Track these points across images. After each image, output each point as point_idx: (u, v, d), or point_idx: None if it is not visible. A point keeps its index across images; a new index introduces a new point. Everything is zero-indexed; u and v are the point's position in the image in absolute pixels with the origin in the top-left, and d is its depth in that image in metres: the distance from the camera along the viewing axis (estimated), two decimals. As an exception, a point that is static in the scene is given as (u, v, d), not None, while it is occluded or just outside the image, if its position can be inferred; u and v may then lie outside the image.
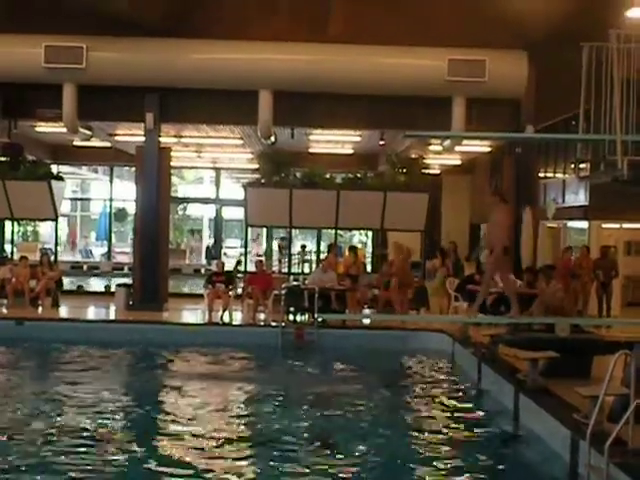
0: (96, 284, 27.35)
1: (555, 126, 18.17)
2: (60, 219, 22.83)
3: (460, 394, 12.40)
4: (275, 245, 35.26)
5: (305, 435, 9.79)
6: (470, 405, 11.69)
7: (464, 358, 14.06)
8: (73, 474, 7.85)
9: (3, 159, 20.61)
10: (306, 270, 30.17)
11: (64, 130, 19.01)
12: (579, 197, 19.57)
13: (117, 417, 10.38)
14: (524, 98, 18.13)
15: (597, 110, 10.24)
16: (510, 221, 14.08)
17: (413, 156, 21.19)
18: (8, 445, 8.80)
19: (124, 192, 32.66)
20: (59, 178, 21.19)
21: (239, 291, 18.99)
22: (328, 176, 20.33)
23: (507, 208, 13.82)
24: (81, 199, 43.84)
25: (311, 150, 25.51)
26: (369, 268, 26.02)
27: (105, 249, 34.70)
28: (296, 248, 32.42)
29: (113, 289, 20.32)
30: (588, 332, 11.90)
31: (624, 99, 10.14)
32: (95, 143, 24.50)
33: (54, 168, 23.57)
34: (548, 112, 17.70)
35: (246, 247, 25.69)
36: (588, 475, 7.36)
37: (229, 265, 23.10)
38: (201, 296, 19.04)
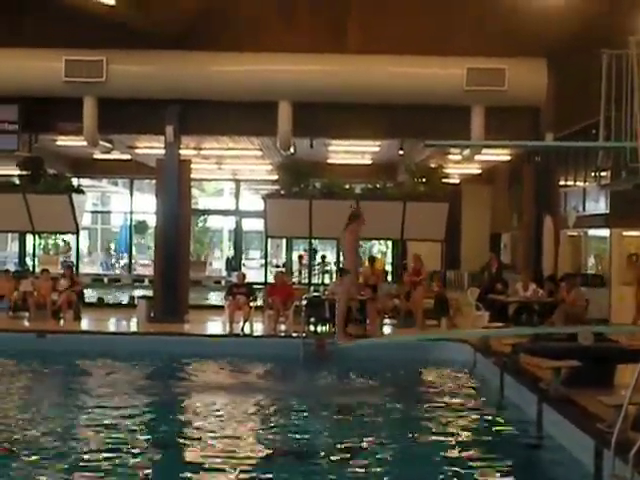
0: (117, 296, 27.44)
1: (575, 134, 18.09)
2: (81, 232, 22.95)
3: (482, 404, 12.34)
4: (295, 256, 35.31)
5: (326, 446, 9.76)
6: (492, 415, 11.62)
7: (486, 368, 13.99)
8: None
9: (24, 173, 20.77)
10: (326, 281, 30.17)
11: (84, 143, 19.10)
12: (600, 205, 19.47)
13: (138, 429, 10.37)
14: (544, 106, 18.09)
15: (618, 117, 10.19)
16: (349, 242, 14.78)
17: (432, 166, 21.20)
18: (30, 458, 8.80)
19: (144, 205, 32.81)
20: (80, 191, 21.34)
21: (259, 302, 18.98)
22: (347, 186, 20.39)
23: (348, 229, 14.29)
24: (101, 212, 44.06)
25: (330, 161, 25.55)
26: (389, 278, 25.98)
27: (126, 261, 34.87)
28: (316, 259, 32.45)
29: (135, 301, 20.35)
30: (611, 340, 11.81)
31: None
32: (115, 156, 24.63)
33: (74, 181, 23.72)
34: (568, 120, 17.64)
35: (266, 258, 25.67)
36: (613, 484, 7.31)
37: (250, 276, 23.07)
38: (222, 307, 19.05)
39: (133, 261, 34.45)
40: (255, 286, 19.62)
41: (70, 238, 31.21)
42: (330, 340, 15.96)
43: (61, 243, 35.69)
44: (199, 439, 9.93)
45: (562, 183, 21.49)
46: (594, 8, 14.90)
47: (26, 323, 18.30)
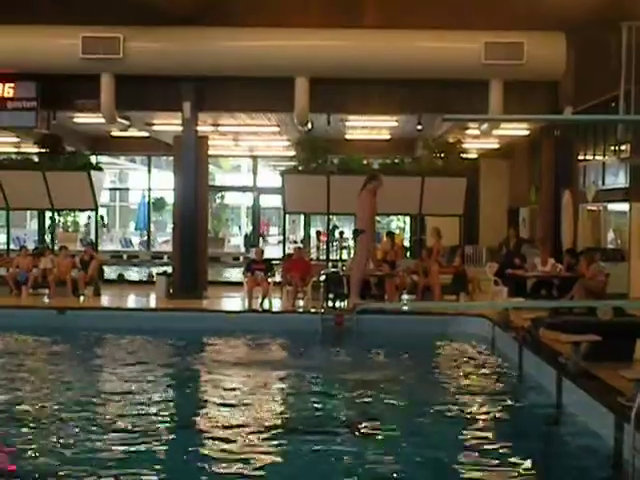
0: (136, 273, 27.56)
1: (594, 108, 17.98)
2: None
3: (501, 379, 12.33)
4: (313, 232, 35.34)
5: (345, 420, 9.81)
6: (512, 390, 11.63)
7: (505, 342, 13.98)
8: (115, 460, 7.91)
9: (43, 150, 20.84)
10: (344, 257, 30.19)
11: (102, 120, 19.12)
12: (619, 179, 19.36)
13: (158, 404, 10.43)
14: (562, 80, 17.96)
15: (637, 90, 10.12)
16: (362, 204, 14.81)
17: (450, 141, 21.13)
18: (51, 433, 8.88)
19: (162, 182, 32.89)
20: (98, 168, 21.39)
21: (278, 278, 19.02)
22: (365, 162, 20.35)
23: (363, 193, 14.44)
24: (119, 189, 44.21)
25: (348, 136, 25.50)
26: (407, 254, 25.98)
27: (144, 238, 35.00)
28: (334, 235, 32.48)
29: (154, 278, 20.42)
30: (631, 315, 11.78)
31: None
32: (133, 133, 24.68)
33: (93, 159, 23.80)
34: (587, 94, 17.52)
35: (284, 234, 25.72)
36: (633, 458, 7.30)
37: (268, 252, 23.09)
38: (240, 284, 19.11)
39: (152, 238, 34.57)
40: (273, 262, 19.66)
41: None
42: (348, 316, 15.99)
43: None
44: (218, 414, 9.98)
45: (581, 157, 21.37)
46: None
47: (46, 300, 18.42)
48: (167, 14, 16.81)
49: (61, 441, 8.52)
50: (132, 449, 8.28)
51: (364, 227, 15.49)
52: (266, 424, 9.43)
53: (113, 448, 8.30)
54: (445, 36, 17.60)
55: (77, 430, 8.96)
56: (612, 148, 19.14)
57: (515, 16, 16.99)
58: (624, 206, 19.65)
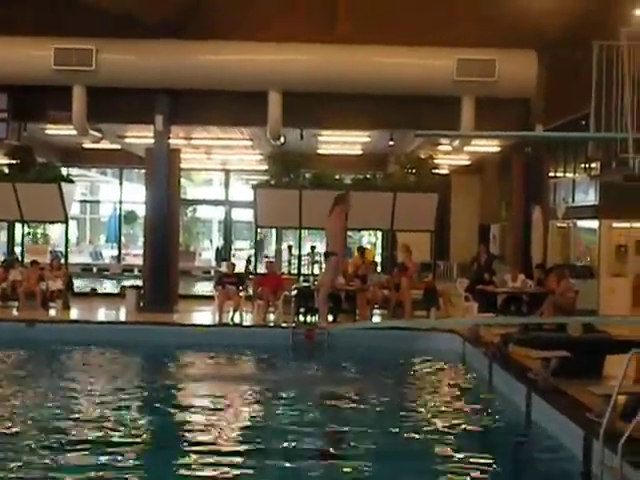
0: (106, 286, 27.39)
1: (565, 125, 18.14)
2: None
3: (471, 394, 12.35)
4: (285, 246, 35.27)
5: (315, 435, 9.77)
6: (481, 405, 11.63)
7: (475, 358, 14.03)
8: (83, 476, 7.84)
9: (13, 162, 20.70)
10: (316, 271, 30.15)
11: (74, 132, 19.02)
12: (589, 196, 19.53)
13: (127, 418, 10.35)
14: (534, 97, 18.10)
15: (608, 108, 10.20)
16: (332, 227, 15.66)
17: (422, 156, 21.21)
18: (18, 449, 8.76)
19: (134, 194, 32.73)
20: (69, 180, 21.28)
21: (249, 292, 18.97)
22: (337, 177, 20.38)
23: (334, 212, 14.88)
24: (90, 201, 43.93)
25: (320, 151, 25.53)
26: (379, 269, 26.00)
27: (115, 251, 34.80)
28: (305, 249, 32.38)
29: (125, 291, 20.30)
30: (600, 331, 11.85)
31: (635, 97, 10.11)
32: (104, 145, 24.57)
33: (64, 171, 23.65)
34: (558, 112, 17.67)
35: (256, 248, 25.68)
36: (602, 474, 7.33)
37: (240, 266, 23.00)
38: (211, 297, 19.04)
39: (123, 251, 34.40)
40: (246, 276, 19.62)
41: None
42: (319, 330, 15.97)
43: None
44: (186, 428, 9.93)
45: (552, 174, 21.54)
46: (584, 0, 14.93)
47: (15, 312, 18.25)
48: (141, 26, 16.76)
49: (25, 457, 8.40)
50: (97, 464, 8.19)
51: (334, 249, 15.61)
52: (235, 438, 9.39)
53: (78, 464, 8.21)
54: (418, 52, 17.68)
55: (43, 446, 8.84)
56: (582, 166, 19.33)
57: (487, 34, 17.09)
58: (594, 223, 19.82)
